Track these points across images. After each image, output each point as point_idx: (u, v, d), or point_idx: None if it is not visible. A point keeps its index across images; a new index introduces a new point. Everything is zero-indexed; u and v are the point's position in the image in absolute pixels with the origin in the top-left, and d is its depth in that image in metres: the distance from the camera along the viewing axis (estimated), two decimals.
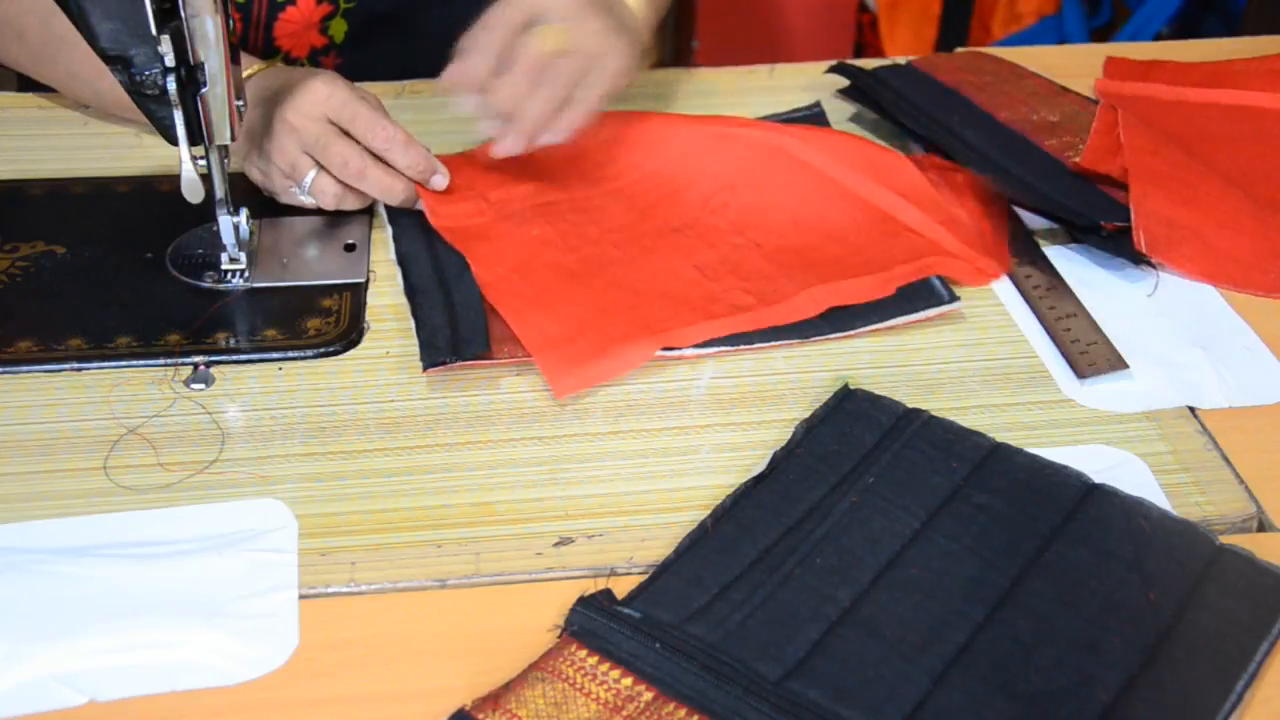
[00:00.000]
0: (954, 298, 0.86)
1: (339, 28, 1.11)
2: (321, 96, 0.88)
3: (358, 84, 0.92)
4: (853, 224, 0.93)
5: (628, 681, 0.62)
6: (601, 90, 0.89)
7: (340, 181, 0.90)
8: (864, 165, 0.97)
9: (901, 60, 1.12)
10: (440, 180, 0.92)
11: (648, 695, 0.61)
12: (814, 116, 1.08)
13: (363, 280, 0.89)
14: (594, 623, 0.64)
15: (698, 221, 0.94)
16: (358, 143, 0.89)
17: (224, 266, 0.88)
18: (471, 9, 1.18)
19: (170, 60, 0.77)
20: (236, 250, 0.87)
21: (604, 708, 0.61)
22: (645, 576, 0.68)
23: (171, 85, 0.77)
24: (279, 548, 0.70)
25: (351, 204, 0.92)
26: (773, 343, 0.84)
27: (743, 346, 0.84)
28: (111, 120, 1.04)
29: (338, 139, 0.89)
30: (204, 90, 0.79)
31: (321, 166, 0.90)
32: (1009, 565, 0.67)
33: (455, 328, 0.83)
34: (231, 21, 0.80)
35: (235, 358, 0.82)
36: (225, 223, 0.86)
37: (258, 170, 0.93)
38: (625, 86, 0.91)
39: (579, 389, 0.80)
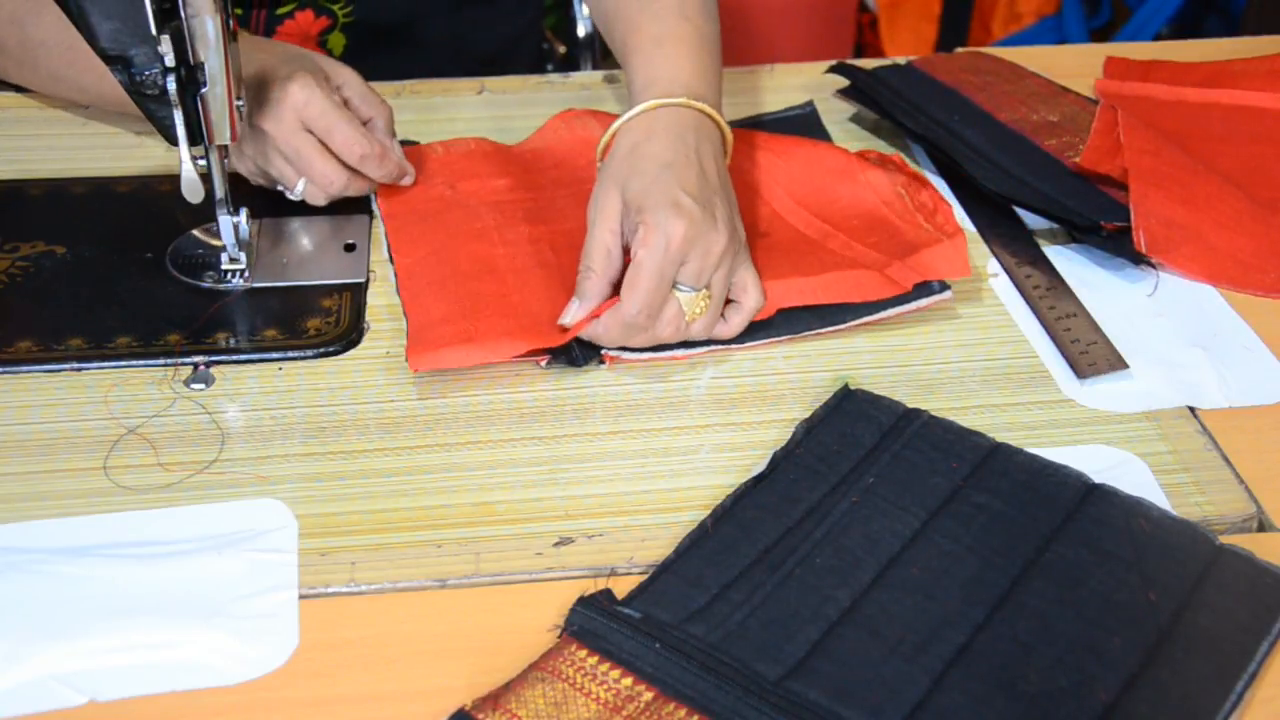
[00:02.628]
0: (944, 287, 0.86)
1: (337, 41, 1.11)
2: (300, 103, 0.87)
3: None
4: (780, 246, 0.92)
5: (628, 681, 0.62)
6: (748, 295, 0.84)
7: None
8: (811, 191, 0.96)
9: (901, 60, 1.12)
10: (410, 181, 0.93)
11: (648, 695, 0.61)
12: (806, 116, 1.08)
13: (363, 280, 0.89)
14: (594, 623, 0.64)
15: None
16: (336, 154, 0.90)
17: (224, 266, 0.88)
18: (468, 23, 1.18)
19: (170, 60, 0.77)
20: (236, 250, 0.87)
21: (604, 708, 0.61)
22: (645, 576, 0.68)
23: (171, 85, 0.77)
24: (279, 548, 0.70)
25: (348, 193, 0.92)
26: (763, 340, 0.84)
27: (734, 346, 0.84)
28: (107, 120, 1.04)
29: (318, 156, 0.88)
30: (204, 90, 0.79)
31: None
32: (1009, 565, 0.67)
33: None
34: (230, 25, 0.80)
35: (235, 358, 0.82)
36: (225, 223, 0.86)
37: (247, 165, 0.93)
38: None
39: (433, 368, 0.80)
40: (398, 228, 0.92)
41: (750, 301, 0.83)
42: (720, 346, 0.84)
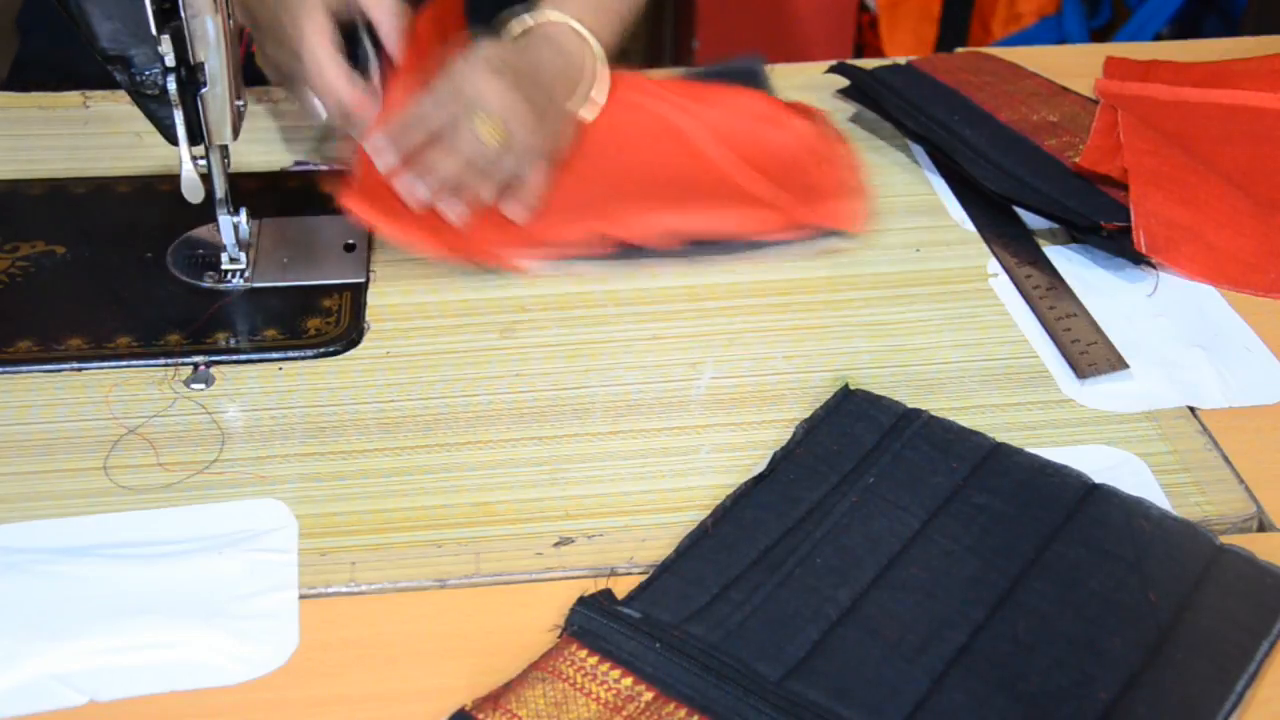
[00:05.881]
0: (840, 234, 0.92)
1: None
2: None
3: None
4: (693, 180, 0.96)
5: (628, 681, 0.62)
6: (531, 185, 0.91)
7: None
8: (737, 134, 1.00)
9: (901, 60, 1.12)
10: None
11: (648, 695, 0.61)
12: (751, 70, 1.12)
13: (363, 280, 0.89)
14: (594, 623, 0.64)
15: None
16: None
17: (224, 266, 0.88)
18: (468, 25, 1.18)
19: (170, 60, 0.77)
20: (236, 250, 0.87)
21: (604, 708, 0.61)
22: (645, 576, 0.68)
23: (171, 85, 0.77)
24: (279, 548, 0.70)
25: None
26: (669, 259, 0.90)
27: (646, 260, 0.90)
28: (107, 120, 1.04)
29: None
30: (204, 90, 0.79)
31: None
32: (1009, 565, 0.67)
33: None
34: (231, 24, 0.80)
35: (235, 358, 0.82)
36: (225, 223, 0.86)
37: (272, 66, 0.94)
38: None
39: (357, 214, 0.87)
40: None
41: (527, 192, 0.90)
42: (644, 259, 0.90)
